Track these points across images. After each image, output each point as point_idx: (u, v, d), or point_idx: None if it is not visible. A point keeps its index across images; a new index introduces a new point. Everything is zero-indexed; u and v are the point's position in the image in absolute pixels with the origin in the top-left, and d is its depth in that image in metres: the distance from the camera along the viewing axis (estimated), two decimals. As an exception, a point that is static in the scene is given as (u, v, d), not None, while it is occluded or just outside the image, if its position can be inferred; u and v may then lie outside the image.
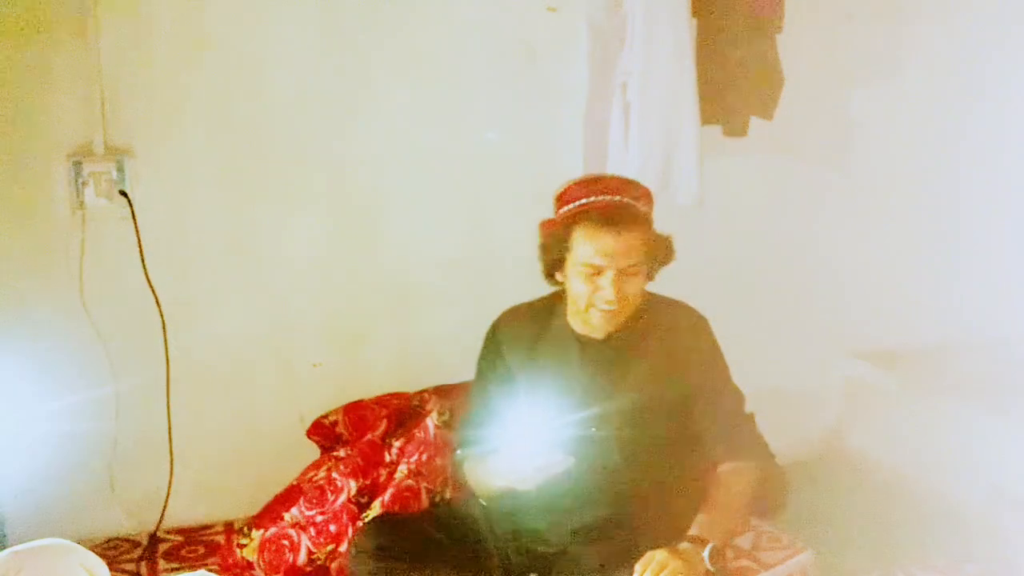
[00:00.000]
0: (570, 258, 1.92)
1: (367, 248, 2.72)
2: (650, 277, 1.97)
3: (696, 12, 2.72)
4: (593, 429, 1.96)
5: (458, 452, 2.09)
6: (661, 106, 2.67)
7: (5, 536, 2.35)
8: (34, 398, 2.31)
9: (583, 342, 1.98)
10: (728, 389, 2.00)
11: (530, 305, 2.07)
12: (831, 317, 3.13)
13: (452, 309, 2.73)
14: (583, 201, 1.92)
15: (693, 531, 1.81)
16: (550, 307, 2.05)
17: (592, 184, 1.96)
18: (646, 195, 1.98)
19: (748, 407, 2.03)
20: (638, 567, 1.72)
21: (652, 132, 2.67)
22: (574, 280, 1.92)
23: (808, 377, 3.05)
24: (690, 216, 2.79)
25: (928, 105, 3.10)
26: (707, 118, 2.77)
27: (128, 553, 2.49)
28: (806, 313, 3.09)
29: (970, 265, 3.12)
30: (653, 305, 2.01)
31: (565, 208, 1.96)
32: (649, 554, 1.73)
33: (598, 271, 1.88)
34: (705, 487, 1.92)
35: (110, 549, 2.50)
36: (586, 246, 1.87)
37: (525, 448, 1.84)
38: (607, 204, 1.91)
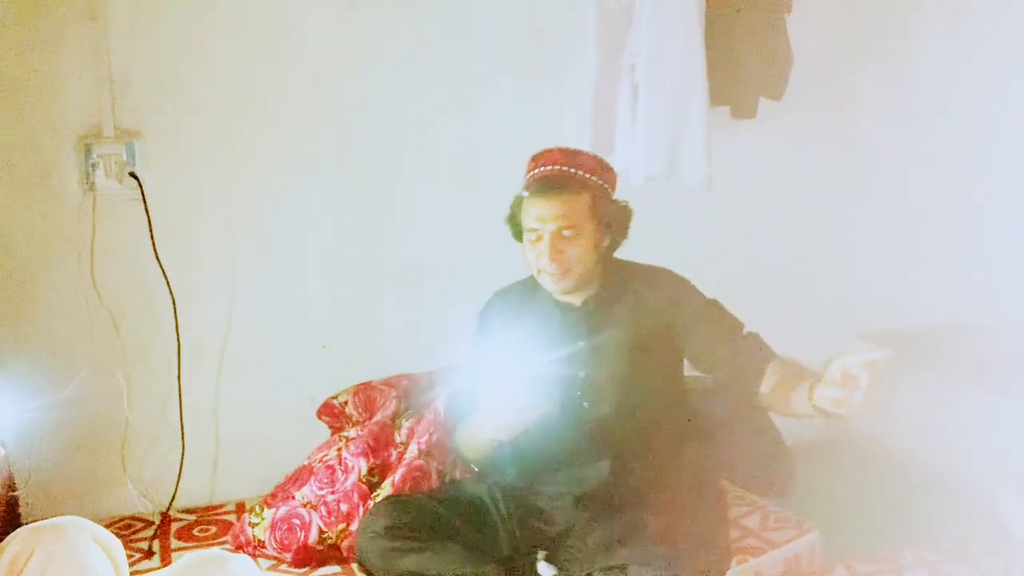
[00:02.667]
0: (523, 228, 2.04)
1: (377, 229, 2.72)
2: (611, 243, 2.06)
3: (705, -9, 2.71)
4: (579, 393, 2.02)
5: (451, 422, 2.18)
6: (669, 87, 2.66)
7: (19, 515, 2.37)
8: (45, 379, 2.32)
9: (563, 308, 2.08)
10: (729, 319, 2.07)
11: (517, 283, 2.19)
12: (839, 298, 3.12)
13: (461, 290, 2.71)
14: (531, 173, 2.06)
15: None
16: (534, 281, 2.15)
17: (539, 157, 2.07)
18: (594, 165, 2.07)
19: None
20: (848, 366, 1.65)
21: (660, 114, 2.66)
22: (524, 247, 2.05)
23: (816, 358, 3.04)
24: (698, 197, 2.80)
25: (937, 85, 3.09)
26: (716, 99, 2.76)
27: (140, 532, 2.51)
28: (814, 294, 3.09)
29: (978, 246, 3.12)
30: (630, 270, 2.12)
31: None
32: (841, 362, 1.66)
33: (539, 236, 1.99)
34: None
35: (123, 528, 2.52)
36: (526, 213, 2.02)
37: (501, 395, 1.91)
38: (545, 173, 2.04)
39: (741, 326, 2.07)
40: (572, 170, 2.02)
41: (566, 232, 1.98)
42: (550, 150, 2.06)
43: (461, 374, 2.20)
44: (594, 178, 2.03)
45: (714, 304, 2.08)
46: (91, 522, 1.58)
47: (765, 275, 3.03)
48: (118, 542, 1.59)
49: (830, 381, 1.69)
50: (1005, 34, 3.03)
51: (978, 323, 3.07)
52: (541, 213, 1.98)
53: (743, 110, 2.87)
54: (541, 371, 1.93)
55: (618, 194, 2.77)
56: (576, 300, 2.07)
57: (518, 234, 2.07)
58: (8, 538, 1.49)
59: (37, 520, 2.37)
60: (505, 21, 2.73)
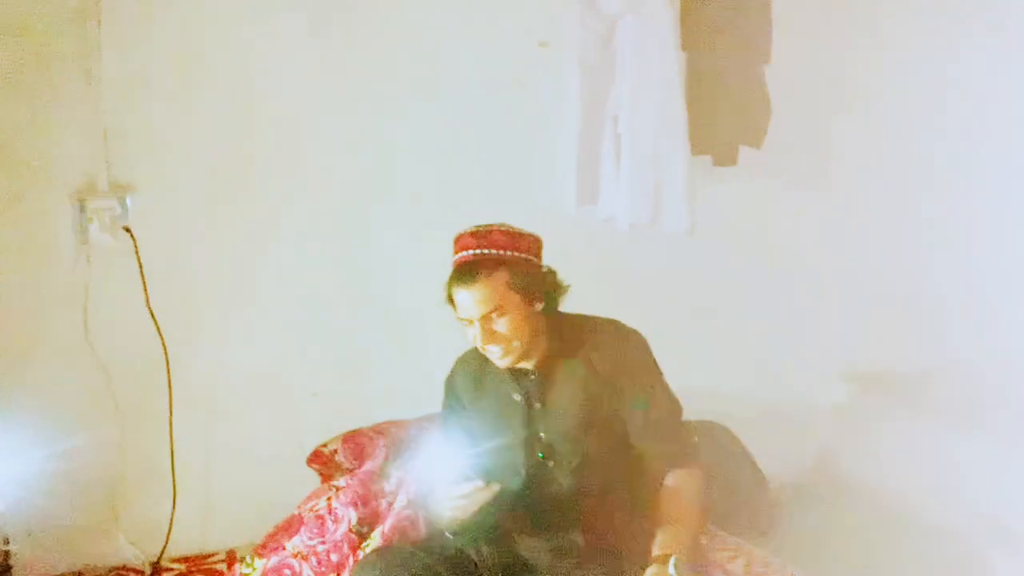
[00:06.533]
0: None
1: (365, 278, 2.77)
2: (547, 304, 2.07)
3: (686, 45, 2.79)
4: (541, 454, 2.06)
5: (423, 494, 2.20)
6: (651, 138, 2.73)
7: (11, 568, 2.38)
8: (40, 430, 2.35)
9: (516, 373, 2.10)
10: (660, 397, 2.07)
11: (475, 349, 2.15)
12: (822, 340, 3.17)
13: (448, 338, 2.76)
14: (452, 259, 2.08)
15: (655, 551, 1.88)
16: None
17: (456, 242, 2.09)
18: (506, 240, 2.05)
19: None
20: None
21: (643, 164, 2.73)
22: (464, 329, 2.06)
23: (800, 399, 3.09)
24: (681, 242, 2.86)
25: (909, 132, 3.16)
26: (698, 148, 2.83)
27: (132, 582, 2.53)
28: (797, 336, 3.14)
29: (956, 289, 3.17)
30: (577, 327, 2.12)
31: None
32: None
33: (470, 321, 2.03)
34: (658, 502, 2.00)
35: (114, 578, 2.54)
36: (454, 300, 2.04)
37: (448, 482, 1.98)
38: (460, 262, 2.06)
39: (677, 409, 2.08)
40: (484, 251, 2.03)
41: (493, 315, 2.00)
42: (463, 234, 2.07)
43: (432, 445, 2.23)
44: (508, 252, 2.04)
45: (654, 378, 2.08)
46: None
47: (749, 316, 3.09)
48: None
49: None
50: (975, 85, 3.11)
51: (962, 364, 3.11)
52: (463, 303, 2.02)
53: (724, 158, 2.94)
54: (497, 446, 1.98)
55: (602, 238, 2.87)
56: (528, 364, 2.09)
57: (456, 313, 2.07)
58: None
59: (29, 574, 2.40)
60: (490, 74, 2.79)
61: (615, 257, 2.93)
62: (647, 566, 1.86)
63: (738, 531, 2.37)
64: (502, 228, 2.07)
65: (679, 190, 2.78)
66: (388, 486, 2.36)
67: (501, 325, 2.01)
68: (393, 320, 2.79)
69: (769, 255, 3.12)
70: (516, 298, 2.01)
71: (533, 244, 2.10)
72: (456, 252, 2.07)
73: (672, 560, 1.82)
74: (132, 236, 2.50)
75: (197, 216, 2.60)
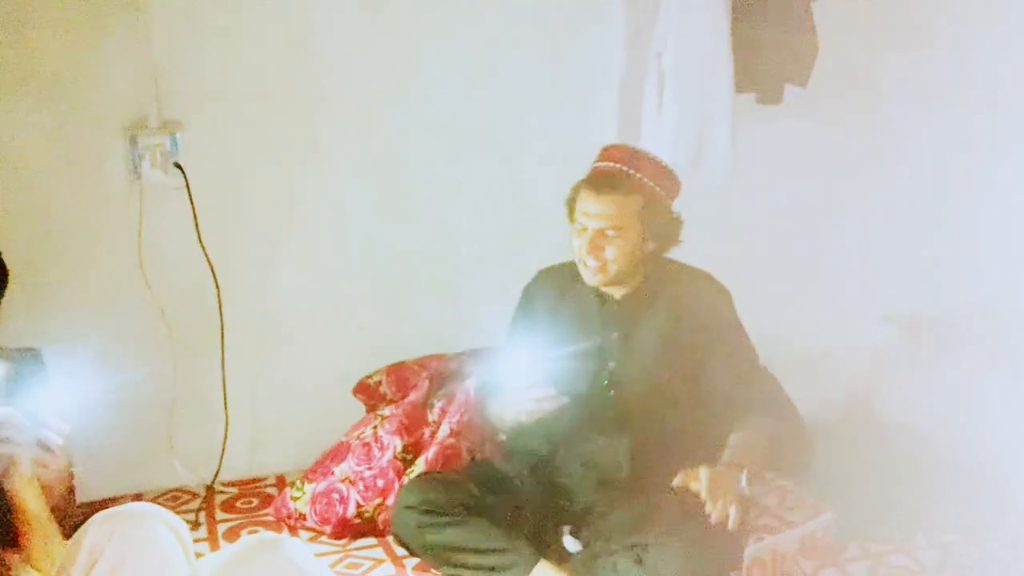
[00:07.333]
0: None
1: (409, 214, 2.80)
2: (658, 247, 2.10)
3: (731, -20, 2.75)
4: (606, 382, 2.09)
5: (484, 396, 2.27)
6: (696, 76, 2.70)
7: (74, 489, 2.50)
8: (97, 362, 2.43)
9: (603, 299, 2.15)
10: (741, 352, 2.12)
11: (563, 265, 2.23)
12: (862, 282, 3.17)
13: (490, 273, 2.82)
14: (593, 165, 2.12)
15: (726, 457, 1.95)
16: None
17: (604, 151, 2.13)
18: (654, 170, 2.09)
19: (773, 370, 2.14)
20: (679, 475, 1.87)
21: (686, 103, 2.72)
22: (572, 235, 2.10)
23: (838, 340, 3.09)
24: (723, 181, 2.85)
25: (960, 72, 3.10)
26: (742, 86, 2.81)
27: (187, 503, 2.64)
28: (838, 278, 3.14)
29: (1000, 233, 3.14)
30: (674, 272, 2.17)
31: None
32: (691, 470, 1.87)
33: (584, 228, 2.06)
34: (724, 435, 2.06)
35: (170, 500, 2.65)
36: (579, 204, 2.08)
37: (523, 384, 2.03)
38: (602, 170, 2.09)
39: (756, 364, 2.14)
40: (629, 171, 2.06)
41: (609, 232, 2.03)
42: (616, 146, 2.12)
43: (500, 349, 2.30)
44: (650, 183, 2.07)
45: (736, 333, 2.13)
46: (160, 507, 1.65)
47: (789, 257, 3.09)
48: (185, 526, 1.64)
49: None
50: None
51: (999, 309, 3.09)
52: (588, 209, 2.05)
53: (768, 96, 2.91)
54: (567, 362, 2.01)
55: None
56: (616, 293, 2.14)
57: (572, 217, 2.12)
58: (85, 525, 1.57)
59: (93, 495, 2.52)
60: (535, 11, 2.78)
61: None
62: (690, 511, 1.91)
63: (773, 468, 2.42)
64: (656, 158, 2.11)
65: (722, 131, 2.76)
66: (431, 416, 2.44)
67: (612, 244, 2.05)
68: (436, 256, 2.83)
69: (811, 195, 3.11)
70: (637, 228, 2.05)
71: (675, 187, 2.14)
72: (601, 159, 2.10)
73: (744, 474, 1.88)
74: (183, 172, 2.55)
75: (247, 152, 2.64)
